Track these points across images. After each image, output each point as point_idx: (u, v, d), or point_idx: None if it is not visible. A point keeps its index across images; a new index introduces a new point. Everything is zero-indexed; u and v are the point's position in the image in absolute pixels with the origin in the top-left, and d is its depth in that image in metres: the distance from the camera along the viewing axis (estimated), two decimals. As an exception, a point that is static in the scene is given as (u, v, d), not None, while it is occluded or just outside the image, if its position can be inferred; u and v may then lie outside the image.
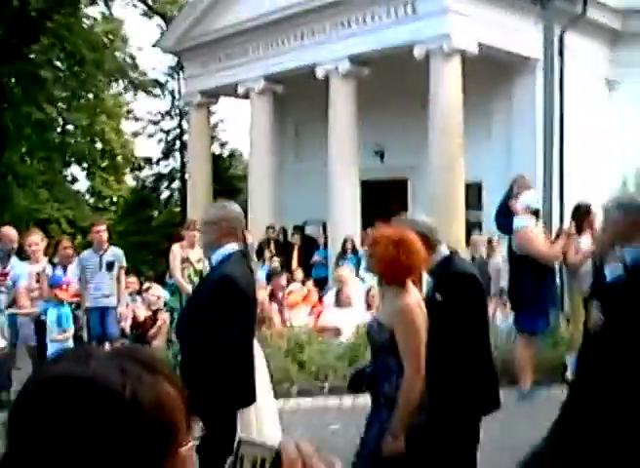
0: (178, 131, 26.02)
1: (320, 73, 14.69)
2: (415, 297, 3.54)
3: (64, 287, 7.64)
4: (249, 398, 4.16)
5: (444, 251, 4.13)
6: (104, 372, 0.98)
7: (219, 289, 3.97)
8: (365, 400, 7.55)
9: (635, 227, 4.12)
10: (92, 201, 27.70)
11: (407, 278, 3.54)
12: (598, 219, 9.13)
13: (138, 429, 0.96)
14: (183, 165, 24.03)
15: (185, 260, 8.92)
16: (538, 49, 12.25)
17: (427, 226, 4.07)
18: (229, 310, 3.92)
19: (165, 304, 9.78)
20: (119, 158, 27.13)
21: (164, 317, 9.62)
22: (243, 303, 4.04)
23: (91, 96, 24.53)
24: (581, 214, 8.74)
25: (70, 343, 7.44)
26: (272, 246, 13.20)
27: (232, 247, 4.11)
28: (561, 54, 12.49)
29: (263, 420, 4.57)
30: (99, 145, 26.23)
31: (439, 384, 3.68)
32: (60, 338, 7.36)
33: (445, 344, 3.81)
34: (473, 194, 14.10)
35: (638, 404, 3.56)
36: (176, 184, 26.44)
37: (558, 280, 8.49)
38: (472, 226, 13.50)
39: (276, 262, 12.62)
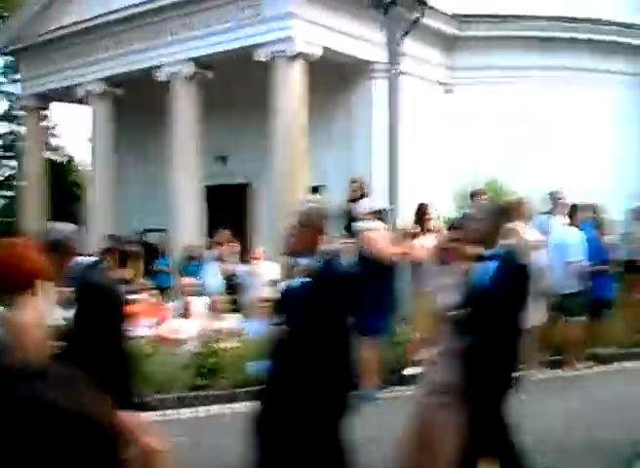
0: (13, 136, 24.63)
1: (162, 76, 14.31)
2: (32, 312, 3.28)
3: None
4: None
5: (87, 259, 4.10)
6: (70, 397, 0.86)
7: None
8: (213, 410, 7.33)
9: (319, 235, 4.05)
10: None
11: (11, 286, 3.28)
12: (432, 219, 9.34)
13: (114, 453, 0.88)
14: (19, 172, 22.82)
15: None
16: (378, 54, 12.46)
17: (66, 233, 4.00)
18: None
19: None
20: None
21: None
22: None
23: None
24: (421, 213, 8.92)
25: None
26: (113, 255, 12.63)
27: None
28: (399, 59, 12.72)
29: None
30: None
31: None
32: None
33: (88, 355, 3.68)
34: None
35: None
36: (11, 192, 25.04)
37: (400, 281, 8.52)
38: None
39: (123, 272, 12.09)
